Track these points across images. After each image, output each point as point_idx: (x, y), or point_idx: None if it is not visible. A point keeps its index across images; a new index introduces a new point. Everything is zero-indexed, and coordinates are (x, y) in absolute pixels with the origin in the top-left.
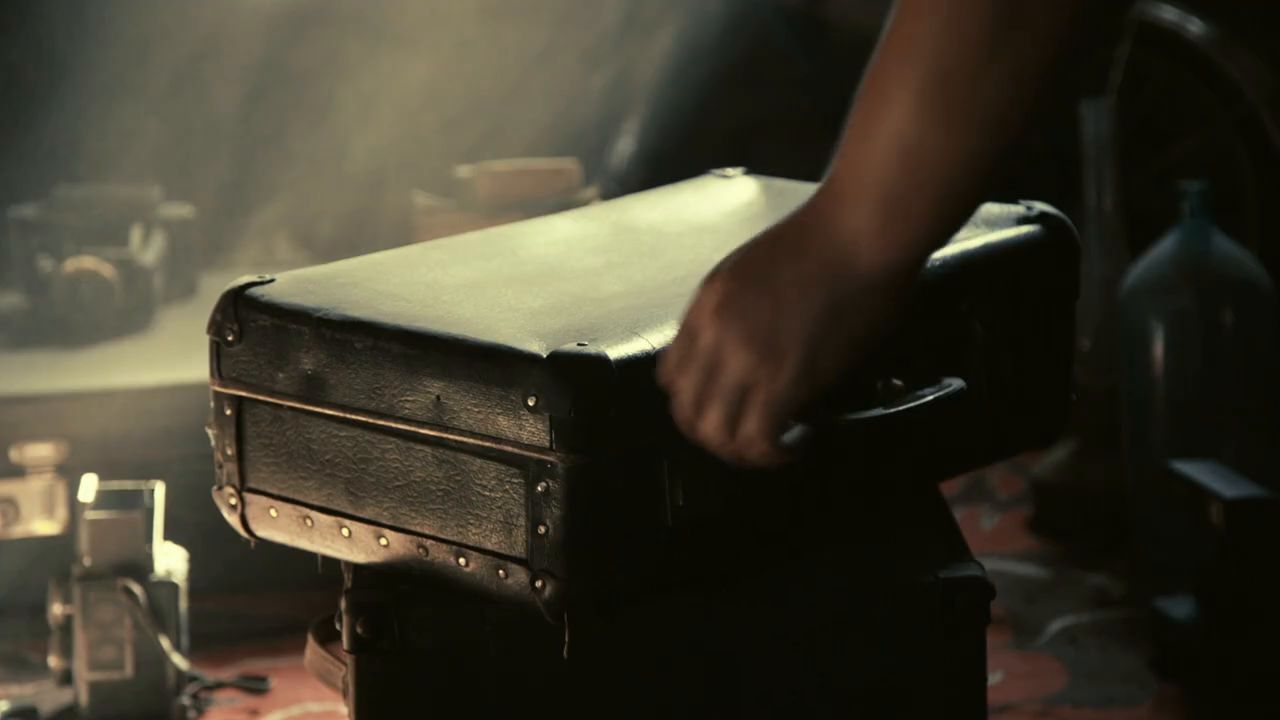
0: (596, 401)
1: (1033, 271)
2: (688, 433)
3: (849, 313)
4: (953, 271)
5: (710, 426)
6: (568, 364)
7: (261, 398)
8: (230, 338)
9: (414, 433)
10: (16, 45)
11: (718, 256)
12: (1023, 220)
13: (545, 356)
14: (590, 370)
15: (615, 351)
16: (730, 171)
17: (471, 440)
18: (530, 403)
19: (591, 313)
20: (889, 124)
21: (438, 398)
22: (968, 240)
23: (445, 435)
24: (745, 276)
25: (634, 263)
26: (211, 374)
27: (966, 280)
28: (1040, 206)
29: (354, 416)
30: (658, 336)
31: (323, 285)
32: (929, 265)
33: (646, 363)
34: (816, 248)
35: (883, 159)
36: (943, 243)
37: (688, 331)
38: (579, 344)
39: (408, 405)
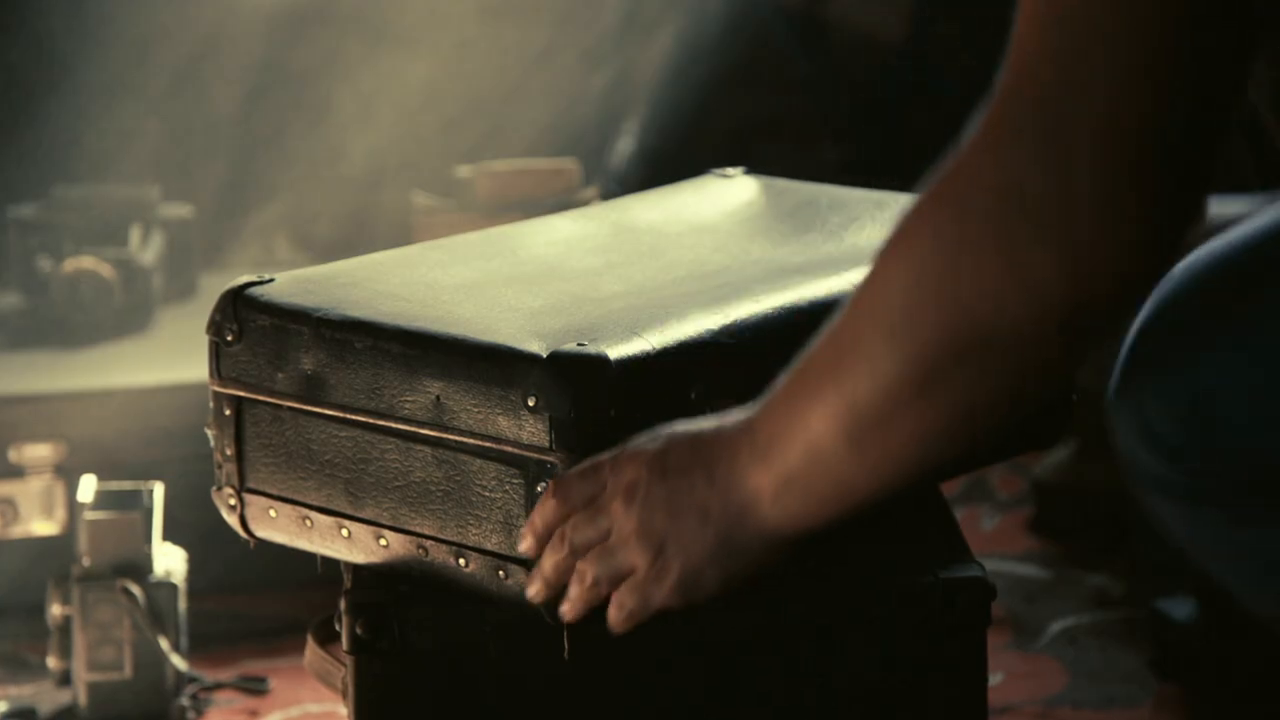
0: (597, 402)
1: None
2: (536, 546)
3: (736, 553)
4: None
5: (578, 578)
6: (568, 364)
7: (261, 398)
8: (230, 338)
9: (414, 433)
10: (16, 45)
11: (718, 256)
12: None
13: (545, 356)
14: (590, 370)
15: (615, 352)
16: (731, 171)
17: (471, 440)
18: (530, 403)
19: (591, 313)
20: (807, 419)
21: (437, 398)
22: None
23: (445, 435)
24: (661, 472)
25: (634, 263)
26: (211, 374)
27: None
28: None
29: (354, 416)
30: (658, 337)
31: (322, 285)
32: None
33: (646, 363)
34: (723, 483)
35: (795, 442)
36: (834, 523)
37: (594, 481)
38: (579, 344)
39: (407, 405)
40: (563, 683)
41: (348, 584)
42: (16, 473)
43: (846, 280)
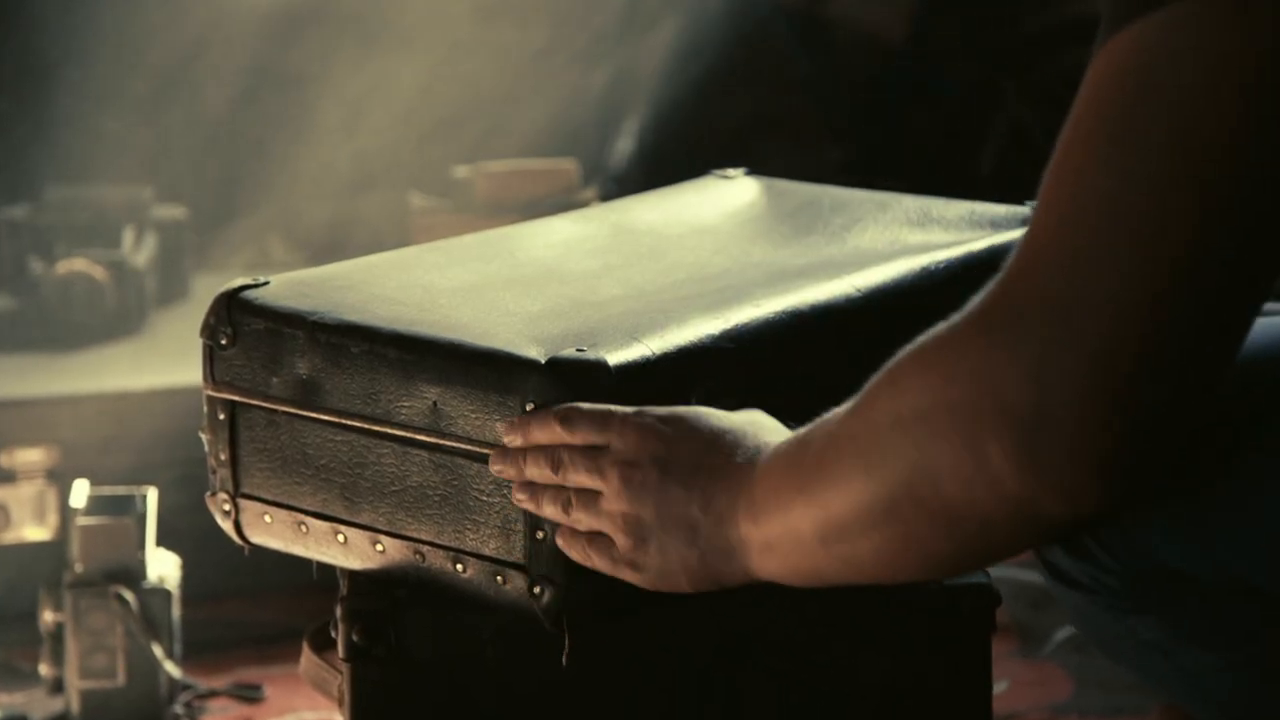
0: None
1: None
2: (521, 447)
3: (714, 577)
4: (956, 273)
5: (558, 502)
6: (567, 369)
7: (255, 402)
8: (224, 341)
9: (411, 438)
10: (7, 46)
11: (718, 258)
12: (1027, 222)
13: (544, 362)
14: (590, 375)
15: (615, 357)
16: (731, 172)
17: (469, 445)
18: (529, 409)
19: (590, 317)
20: (790, 505)
21: (434, 403)
22: (971, 242)
23: (442, 440)
24: (664, 471)
25: (633, 265)
26: (205, 378)
27: (970, 283)
28: None
29: (350, 422)
30: (658, 341)
31: (318, 288)
32: (934, 267)
33: (646, 368)
34: (717, 515)
35: (778, 520)
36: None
37: (599, 431)
38: (578, 349)
39: (404, 410)
40: (562, 690)
41: (344, 590)
42: (8, 477)
43: (849, 284)
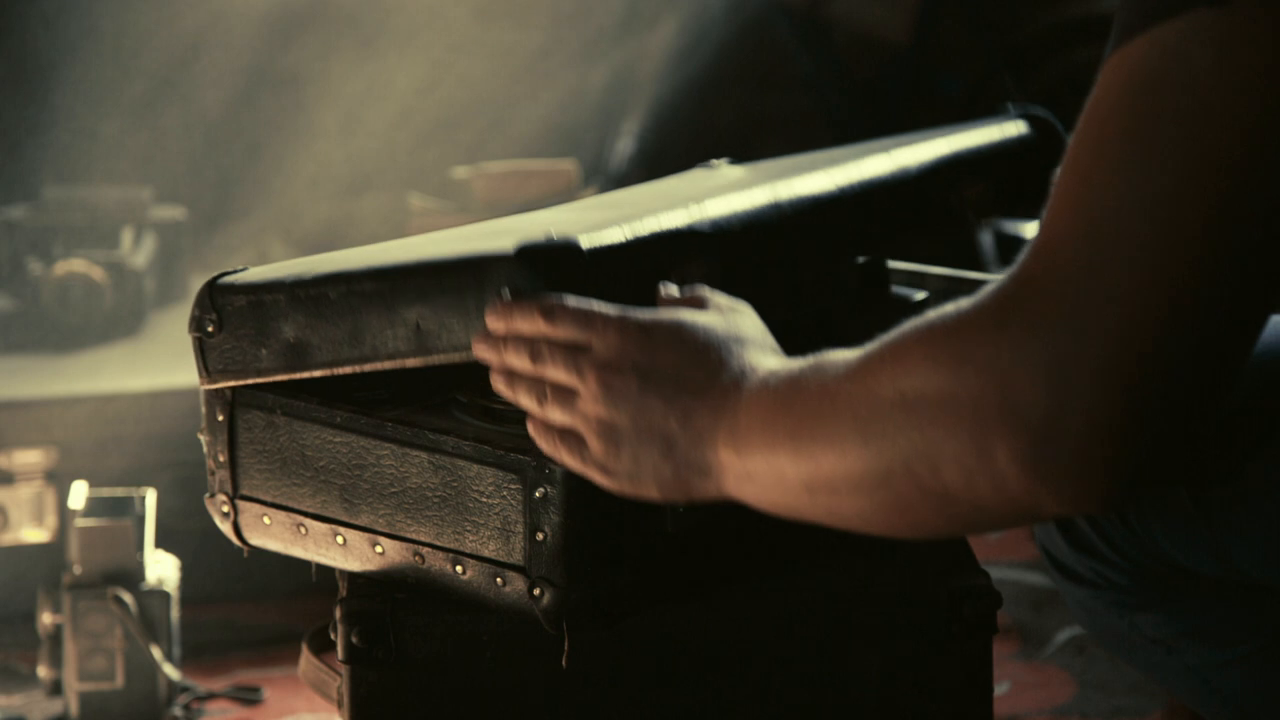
0: (570, 290)
1: (1022, 167)
2: (500, 332)
3: (685, 491)
4: (934, 169)
5: (534, 391)
6: (537, 254)
7: (250, 380)
8: (210, 328)
9: (410, 439)
10: (5, 46)
11: (700, 188)
12: (1008, 121)
13: (514, 250)
14: (561, 259)
15: (588, 240)
16: (715, 162)
17: (469, 445)
18: (506, 296)
19: (569, 223)
20: (777, 446)
21: (417, 325)
22: (947, 139)
23: (443, 439)
24: (644, 379)
25: (613, 207)
26: (200, 373)
27: (947, 178)
28: (1032, 110)
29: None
30: (633, 228)
31: (293, 266)
32: (912, 162)
33: (620, 251)
34: (695, 434)
35: (762, 457)
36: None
37: (581, 329)
38: (549, 236)
39: (389, 342)
40: (561, 692)
41: (343, 592)
42: (6, 479)
43: (828, 178)
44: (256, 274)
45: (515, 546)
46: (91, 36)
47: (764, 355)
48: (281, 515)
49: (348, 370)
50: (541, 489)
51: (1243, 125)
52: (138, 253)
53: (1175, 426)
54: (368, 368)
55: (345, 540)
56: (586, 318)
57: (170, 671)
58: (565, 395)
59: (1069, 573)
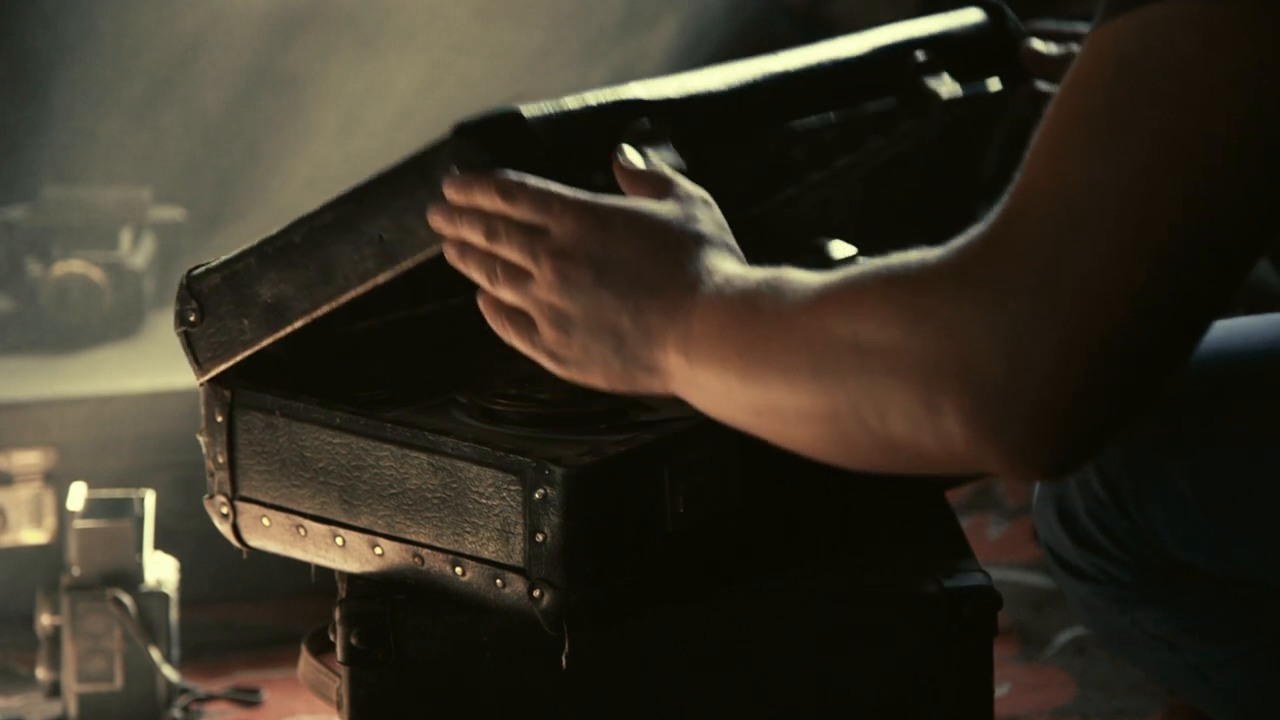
0: (516, 160)
1: (977, 52)
2: (458, 204)
3: (633, 384)
4: (895, 51)
5: (485, 267)
6: (478, 126)
7: (240, 356)
8: (193, 318)
9: (410, 440)
10: (3, 47)
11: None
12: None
13: (453, 130)
14: (504, 128)
15: (530, 110)
16: None
17: (468, 446)
18: (455, 174)
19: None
20: (728, 365)
21: (380, 239)
22: (911, 28)
23: (442, 439)
24: (599, 271)
25: None
26: (193, 368)
27: (910, 62)
28: None
29: (347, 418)
30: (583, 99)
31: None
32: (872, 46)
33: (567, 120)
34: (646, 333)
35: (712, 370)
36: None
37: (538, 211)
38: (487, 110)
39: (359, 266)
40: (562, 693)
41: (342, 593)
42: (5, 480)
43: (783, 60)
44: (226, 254)
45: (515, 547)
46: (90, 37)
47: (722, 258)
48: (281, 516)
49: (326, 309)
50: (541, 490)
51: (1224, 115)
52: (137, 253)
53: (1125, 405)
54: (344, 299)
55: (344, 541)
56: (545, 200)
57: (169, 673)
58: (518, 276)
59: (1072, 569)
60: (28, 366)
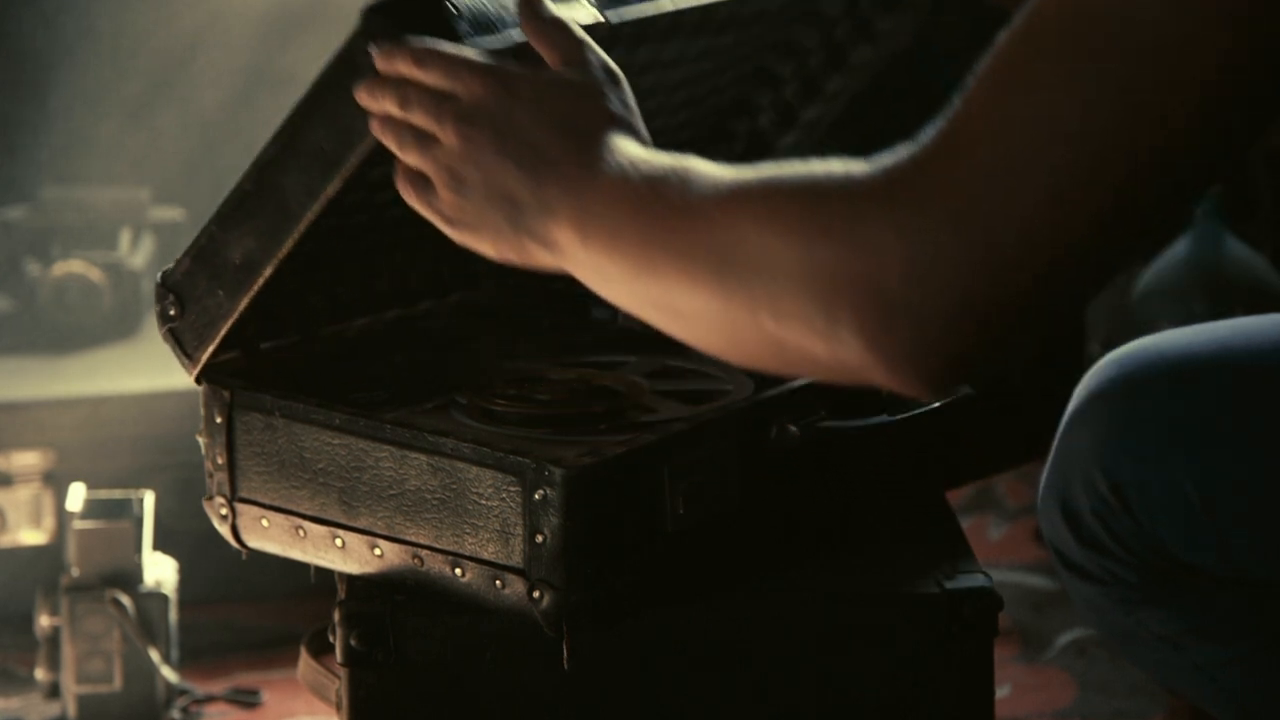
0: (428, 27)
1: None
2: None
3: (524, 255)
4: None
5: (395, 135)
6: (386, 3)
7: (223, 330)
8: (173, 311)
9: (409, 440)
10: (2, 47)
11: None
12: None
13: (362, 10)
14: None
15: None
16: None
17: (468, 447)
18: (381, 49)
19: None
20: (626, 255)
21: (322, 149)
22: None
23: (442, 441)
24: (501, 142)
25: None
26: (184, 365)
27: None
28: None
29: (347, 419)
30: None
31: None
32: None
33: None
34: (545, 200)
35: (612, 254)
36: None
37: (446, 76)
38: None
39: (312, 186)
40: (562, 695)
41: (342, 594)
42: (4, 481)
43: None
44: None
45: (514, 548)
46: (89, 37)
47: (628, 140)
48: (280, 517)
49: (291, 244)
50: (541, 491)
51: (1177, 76)
52: (136, 254)
53: (1019, 342)
54: (305, 224)
55: (344, 543)
56: (453, 65)
57: (169, 674)
58: (425, 140)
59: (1077, 569)
60: (27, 367)
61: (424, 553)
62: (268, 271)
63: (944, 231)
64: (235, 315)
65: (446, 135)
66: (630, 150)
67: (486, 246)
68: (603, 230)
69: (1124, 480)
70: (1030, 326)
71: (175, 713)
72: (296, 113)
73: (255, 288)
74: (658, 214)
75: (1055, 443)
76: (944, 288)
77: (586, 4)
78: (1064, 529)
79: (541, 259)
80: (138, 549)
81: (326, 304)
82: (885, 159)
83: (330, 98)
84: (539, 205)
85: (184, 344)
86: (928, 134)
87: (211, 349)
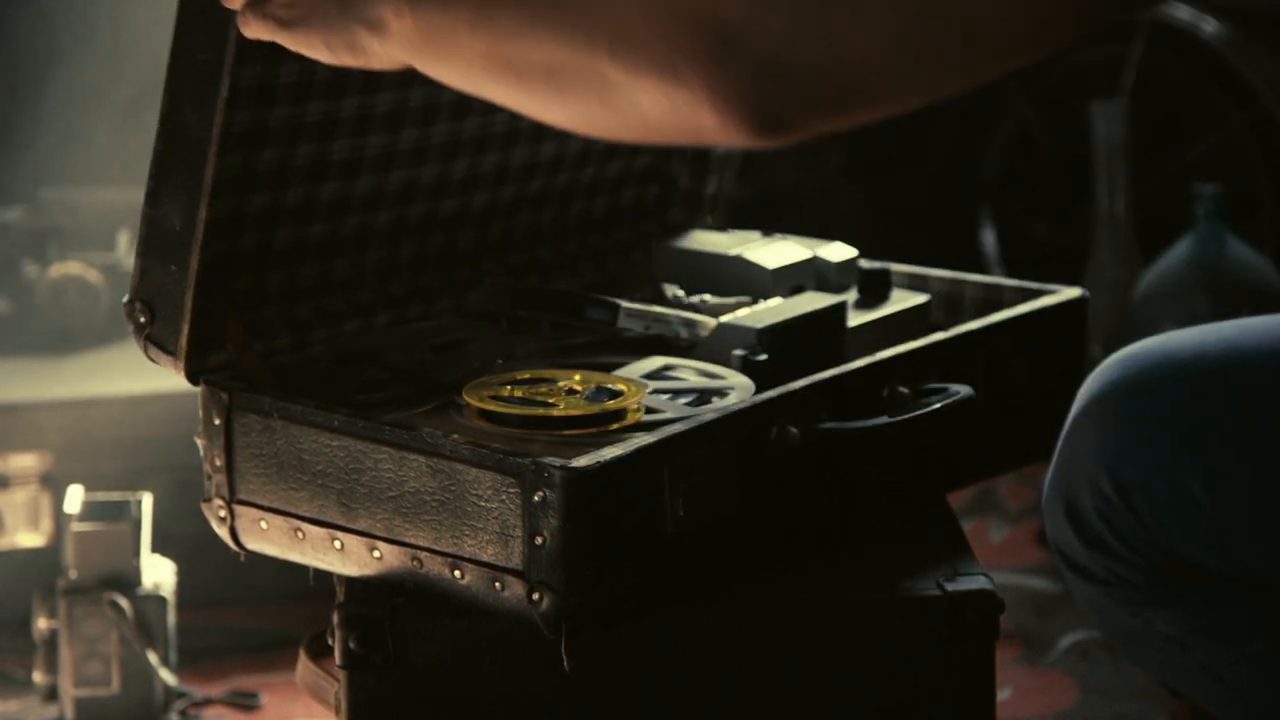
0: None
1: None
2: None
3: (349, 44)
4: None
5: None
6: None
7: (189, 300)
8: (144, 318)
9: (408, 442)
10: (0, 48)
11: None
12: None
13: None
14: None
15: None
16: None
17: (467, 448)
18: None
19: None
20: (460, 15)
21: (205, 63)
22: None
23: (441, 442)
24: None
25: None
26: (175, 367)
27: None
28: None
29: (345, 420)
30: None
31: None
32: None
33: None
34: None
35: (445, 21)
36: None
37: None
38: None
39: (204, 110)
40: (561, 698)
41: (341, 597)
42: (2, 483)
43: None
44: None
45: (514, 550)
46: (86, 39)
47: None
48: (279, 519)
49: (211, 172)
50: (540, 493)
51: None
52: (133, 255)
53: (823, 111)
54: (215, 150)
55: (343, 545)
56: None
57: (167, 677)
58: None
59: (1081, 570)
60: (24, 368)
61: (423, 555)
62: (203, 214)
63: None
64: (194, 282)
65: None
66: None
67: (319, 46)
68: (434, 18)
69: (1129, 480)
70: (854, 93)
71: (173, 716)
72: (169, 53)
73: (200, 242)
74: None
75: (1059, 444)
76: (780, 26)
77: None
78: (1068, 530)
79: (374, 49)
80: (136, 551)
81: (316, 312)
82: None
83: (195, 9)
84: None
85: (165, 344)
86: None
87: (186, 330)
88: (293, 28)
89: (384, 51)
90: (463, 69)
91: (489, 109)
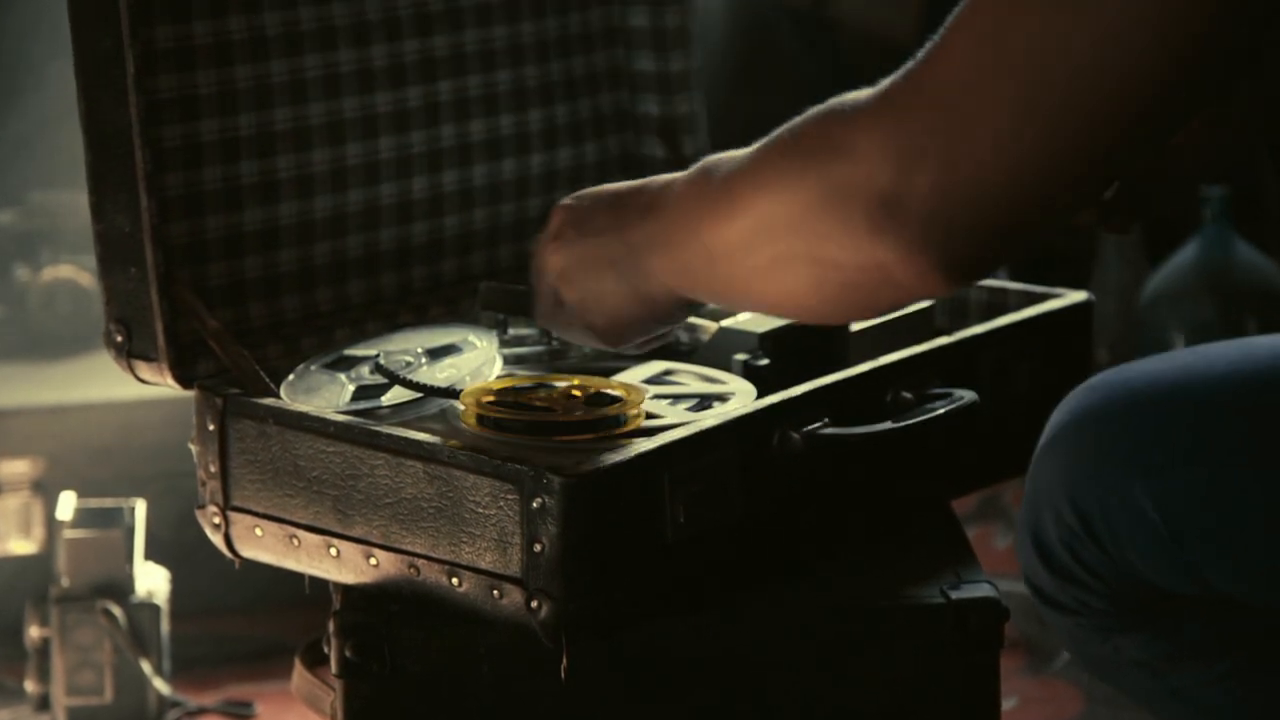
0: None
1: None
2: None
3: (638, 299)
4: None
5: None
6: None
7: (156, 297)
8: (120, 337)
9: (405, 448)
10: None
11: None
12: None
13: None
14: None
15: None
16: None
17: (465, 454)
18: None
19: None
20: (701, 228)
21: (105, 49)
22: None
23: (439, 448)
24: (582, 227)
25: None
26: (167, 378)
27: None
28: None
29: (341, 426)
30: None
31: None
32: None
33: None
34: (633, 242)
35: (690, 238)
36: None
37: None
38: None
39: (116, 100)
40: (560, 706)
41: (337, 605)
42: None
43: None
44: None
45: (512, 558)
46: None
47: (645, 181)
48: (274, 526)
49: (146, 162)
50: (539, 499)
51: (1145, 11)
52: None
53: (1004, 232)
54: (139, 132)
55: (339, 552)
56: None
57: (160, 686)
58: (546, 279)
59: (1051, 601)
60: (16, 374)
61: (420, 562)
62: (145, 202)
63: (923, 134)
64: (155, 276)
65: (546, 259)
66: (658, 179)
67: (618, 321)
68: (680, 227)
69: (1089, 510)
70: (1011, 222)
71: None
72: (75, 46)
73: (149, 232)
74: (713, 184)
75: (1028, 477)
76: (927, 183)
77: None
78: (1037, 561)
79: (656, 294)
80: (129, 559)
81: (305, 314)
82: (886, 79)
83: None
84: (629, 249)
85: (146, 354)
86: (920, 51)
87: (162, 329)
88: (592, 318)
89: (664, 296)
90: (710, 297)
91: (485, 114)
